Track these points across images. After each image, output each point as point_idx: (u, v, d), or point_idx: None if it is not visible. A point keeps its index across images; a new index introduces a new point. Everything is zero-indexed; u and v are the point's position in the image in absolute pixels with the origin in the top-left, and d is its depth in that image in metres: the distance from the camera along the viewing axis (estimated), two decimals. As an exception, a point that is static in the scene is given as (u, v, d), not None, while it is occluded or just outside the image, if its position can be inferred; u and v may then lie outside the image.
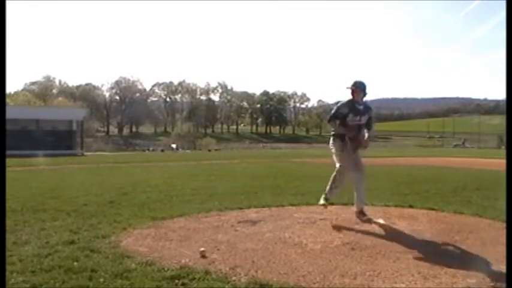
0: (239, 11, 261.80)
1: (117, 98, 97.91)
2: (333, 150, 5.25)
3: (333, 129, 5.25)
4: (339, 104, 5.20)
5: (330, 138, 5.34)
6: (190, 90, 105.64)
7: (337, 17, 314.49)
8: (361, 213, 5.21)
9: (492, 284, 3.06)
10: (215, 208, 6.00)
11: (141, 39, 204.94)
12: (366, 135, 5.26)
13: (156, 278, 3.11)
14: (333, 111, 5.19)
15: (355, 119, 5.05)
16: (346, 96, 5.24)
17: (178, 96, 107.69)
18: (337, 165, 5.18)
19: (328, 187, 5.25)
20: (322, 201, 5.26)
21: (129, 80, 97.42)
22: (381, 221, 5.11)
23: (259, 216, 5.46)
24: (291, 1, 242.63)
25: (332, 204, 6.32)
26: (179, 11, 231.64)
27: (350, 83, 5.14)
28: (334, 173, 5.22)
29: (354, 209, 5.33)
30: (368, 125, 5.27)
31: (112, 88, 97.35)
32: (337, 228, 4.82)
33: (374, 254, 3.80)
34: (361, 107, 5.10)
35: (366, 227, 4.93)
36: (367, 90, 5.17)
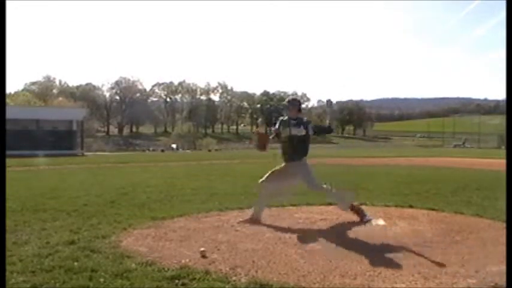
0: (239, 11, 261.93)
1: (117, 98, 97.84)
2: (278, 167, 5.28)
3: None
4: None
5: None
6: (190, 90, 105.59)
7: (337, 17, 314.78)
8: (354, 210, 5.20)
9: (492, 284, 3.07)
10: (215, 208, 6.01)
11: (141, 39, 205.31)
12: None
13: (156, 278, 3.11)
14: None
15: (284, 132, 5.11)
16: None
17: (178, 96, 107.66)
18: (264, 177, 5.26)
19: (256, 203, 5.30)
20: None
21: (129, 80, 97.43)
22: (381, 222, 5.12)
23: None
24: (291, 1, 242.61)
25: (331, 204, 6.33)
26: (179, 11, 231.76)
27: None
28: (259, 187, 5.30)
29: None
30: (320, 128, 5.37)
31: (112, 88, 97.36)
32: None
33: (374, 254, 3.81)
34: (295, 122, 5.12)
35: (366, 227, 4.94)
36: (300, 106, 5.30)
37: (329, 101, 5.60)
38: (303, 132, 5.04)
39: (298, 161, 5.08)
